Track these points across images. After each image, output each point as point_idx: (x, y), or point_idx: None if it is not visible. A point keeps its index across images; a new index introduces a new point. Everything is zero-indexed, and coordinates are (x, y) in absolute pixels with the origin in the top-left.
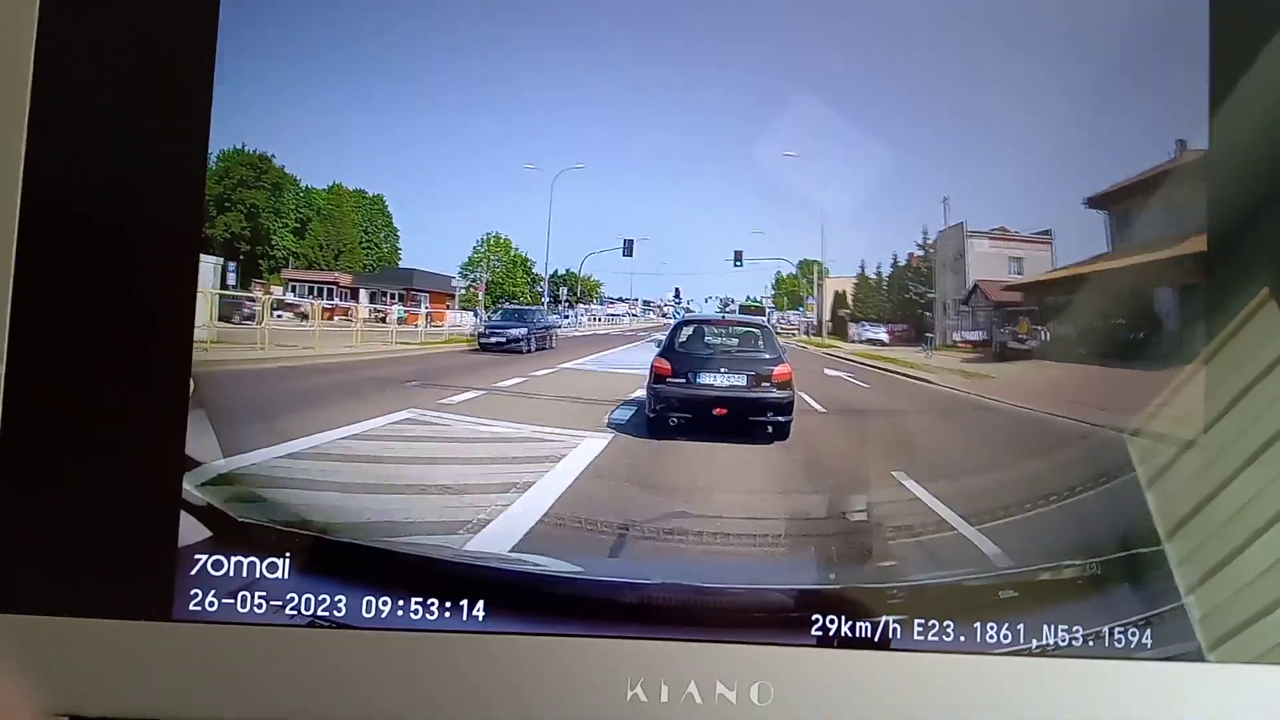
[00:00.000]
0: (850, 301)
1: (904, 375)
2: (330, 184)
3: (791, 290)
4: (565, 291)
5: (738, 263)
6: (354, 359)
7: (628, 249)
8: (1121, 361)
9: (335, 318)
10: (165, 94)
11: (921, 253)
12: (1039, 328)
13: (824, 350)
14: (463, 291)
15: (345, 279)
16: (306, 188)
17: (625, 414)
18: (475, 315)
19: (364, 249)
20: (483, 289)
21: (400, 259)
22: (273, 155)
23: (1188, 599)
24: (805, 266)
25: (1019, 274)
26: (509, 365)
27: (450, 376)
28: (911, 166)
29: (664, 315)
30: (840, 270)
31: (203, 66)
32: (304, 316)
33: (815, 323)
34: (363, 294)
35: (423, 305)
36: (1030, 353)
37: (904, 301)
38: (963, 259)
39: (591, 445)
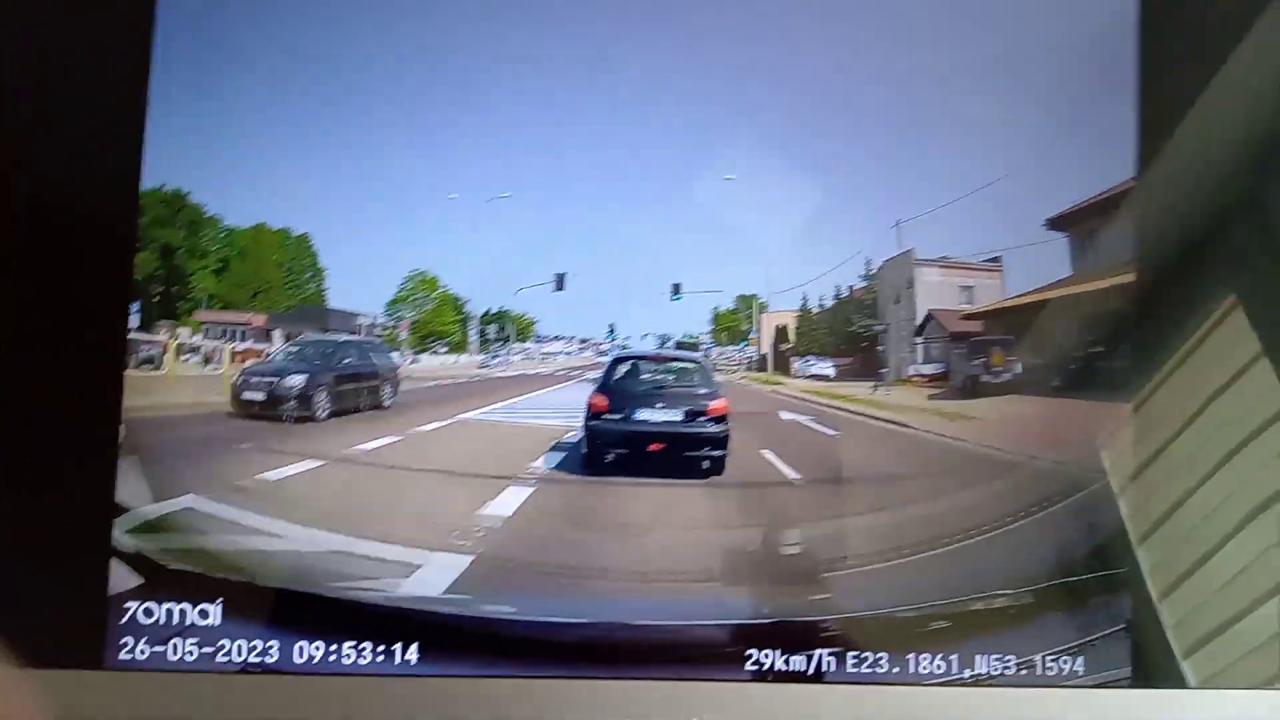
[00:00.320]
0: (792, 335)
1: (871, 417)
2: (256, 223)
3: (730, 325)
4: (494, 330)
5: (676, 295)
6: (201, 411)
7: (559, 283)
8: (1109, 392)
9: (249, 360)
10: (96, 137)
11: (865, 284)
12: (1013, 359)
13: (770, 387)
14: (387, 330)
15: (259, 320)
16: (228, 227)
17: (514, 500)
18: (401, 357)
19: (288, 289)
20: (405, 328)
21: (327, 299)
22: (188, 193)
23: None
24: (744, 301)
25: (969, 303)
26: (389, 417)
27: (296, 437)
28: (853, 194)
29: (600, 354)
30: (780, 305)
31: (136, 106)
32: (207, 360)
33: (756, 358)
34: (276, 335)
35: None
36: (1004, 386)
37: (848, 335)
38: (911, 289)
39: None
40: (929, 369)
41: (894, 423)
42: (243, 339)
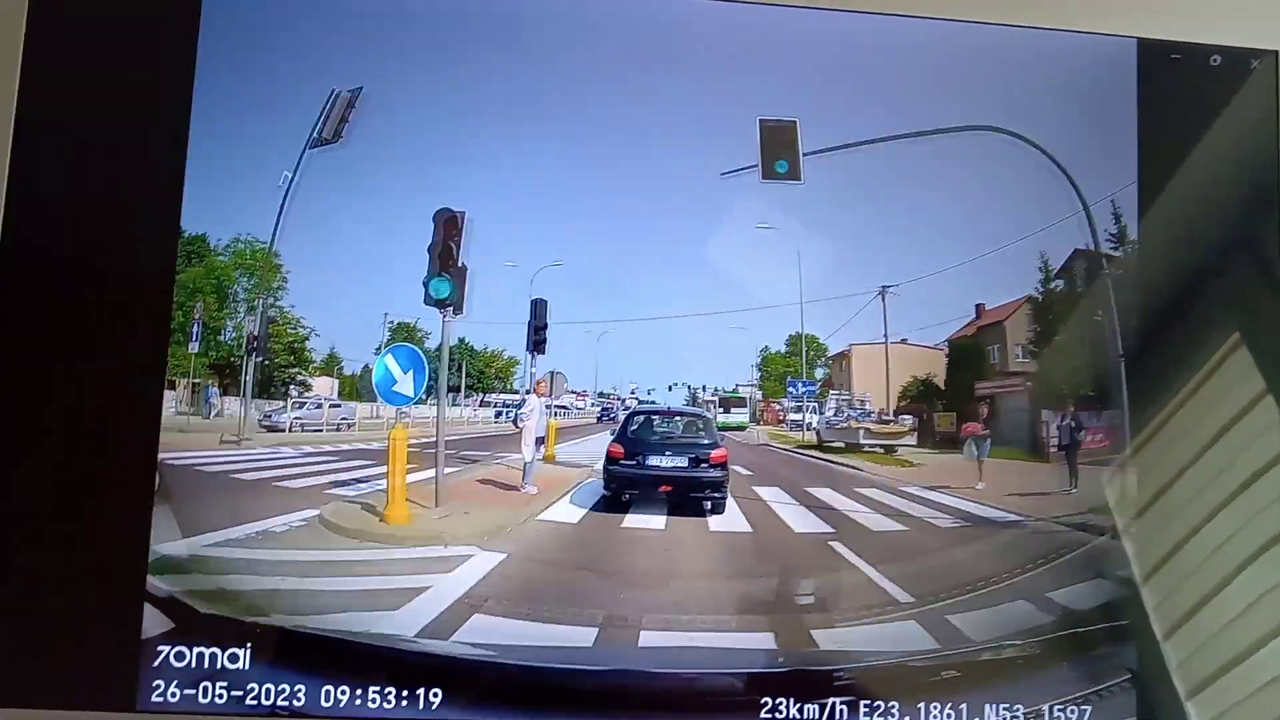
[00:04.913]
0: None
1: None
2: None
3: (791, 369)
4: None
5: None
6: None
7: (447, 231)
8: None
9: None
10: (132, 186)
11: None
12: None
13: None
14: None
15: None
16: None
17: None
18: (208, 394)
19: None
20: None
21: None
22: None
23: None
24: (795, 342)
25: None
26: None
27: None
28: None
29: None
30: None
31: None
32: None
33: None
34: None
35: None
36: None
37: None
38: None
39: None
40: None
41: None
42: None
